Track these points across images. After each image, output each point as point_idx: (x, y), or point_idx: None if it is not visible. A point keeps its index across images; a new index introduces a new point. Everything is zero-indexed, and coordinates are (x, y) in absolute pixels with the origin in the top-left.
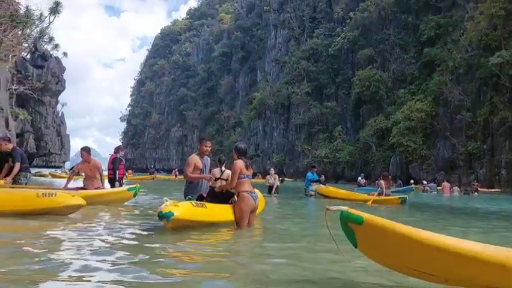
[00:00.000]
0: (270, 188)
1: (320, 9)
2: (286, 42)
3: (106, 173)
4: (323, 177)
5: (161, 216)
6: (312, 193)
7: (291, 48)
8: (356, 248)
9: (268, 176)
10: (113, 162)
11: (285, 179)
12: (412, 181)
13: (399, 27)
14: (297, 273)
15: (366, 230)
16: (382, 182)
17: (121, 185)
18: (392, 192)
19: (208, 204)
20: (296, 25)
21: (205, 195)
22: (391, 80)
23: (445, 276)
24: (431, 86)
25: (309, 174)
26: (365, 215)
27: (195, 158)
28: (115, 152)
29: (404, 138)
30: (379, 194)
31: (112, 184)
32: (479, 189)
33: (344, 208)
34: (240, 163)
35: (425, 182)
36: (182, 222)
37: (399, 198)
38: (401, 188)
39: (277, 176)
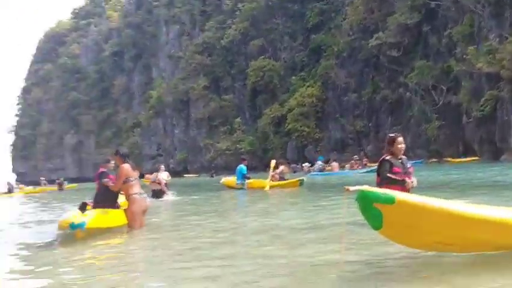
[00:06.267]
0: (156, 190)
1: (210, 2)
2: (179, 37)
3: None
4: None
5: (74, 226)
6: (243, 186)
7: (183, 43)
8: (377, 230)
9: (154, 175)
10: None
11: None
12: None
13: (286, 16)
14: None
15: (397, 209)
16: (282, 167)
17: None
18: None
19: (110, 211)
20: (187, 19)
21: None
22: (283, 68)
23: (465, 243)
24: (320, 71)
25: (242, 167)
26: (397, 193)
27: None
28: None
29: (298, 124)
30: (280, 179)
31: None
32: (368, 164)
33: (366, 187)
34: (126, 167)
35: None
36: (93, 230)
37: (298, 180)
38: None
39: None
